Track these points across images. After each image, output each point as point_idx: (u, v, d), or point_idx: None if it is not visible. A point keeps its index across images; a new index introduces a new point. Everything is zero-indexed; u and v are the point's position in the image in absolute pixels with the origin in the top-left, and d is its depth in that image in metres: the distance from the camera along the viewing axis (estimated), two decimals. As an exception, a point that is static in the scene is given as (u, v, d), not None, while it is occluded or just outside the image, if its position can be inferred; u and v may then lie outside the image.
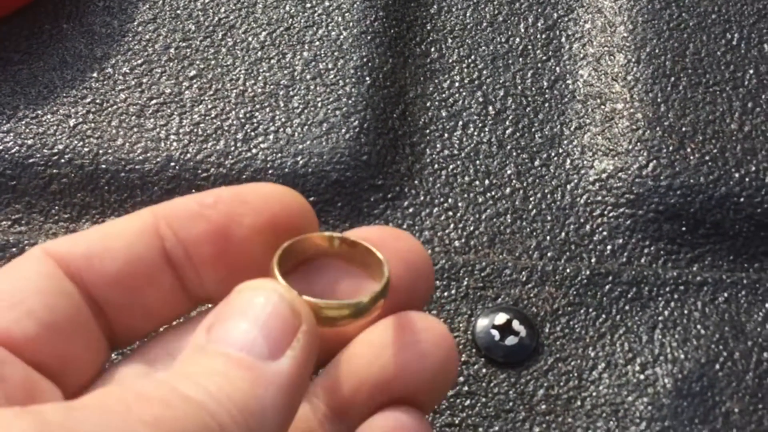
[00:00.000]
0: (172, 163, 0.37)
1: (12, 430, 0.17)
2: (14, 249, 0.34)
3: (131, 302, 0.24)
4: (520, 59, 0.41)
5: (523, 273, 0.34)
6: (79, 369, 0.24)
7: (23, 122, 0.38)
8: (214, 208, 0.24)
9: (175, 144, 0.37)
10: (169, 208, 0.25)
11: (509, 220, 0.36)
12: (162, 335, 0.26)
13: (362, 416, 0.24)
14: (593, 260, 0.35)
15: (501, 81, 0.40)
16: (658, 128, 0.37)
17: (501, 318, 0.33)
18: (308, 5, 0.41)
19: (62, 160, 0.37)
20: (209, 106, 0.38)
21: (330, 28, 0.40)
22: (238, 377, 0.21)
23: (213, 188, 0.36)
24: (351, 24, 0.40)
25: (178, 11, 0.41)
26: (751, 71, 0.39)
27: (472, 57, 0.41)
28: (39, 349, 0.23)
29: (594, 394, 0.32)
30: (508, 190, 0.37)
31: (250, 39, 0.40)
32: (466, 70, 0.40)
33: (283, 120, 0.38)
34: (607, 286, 0.34)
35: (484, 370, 0.32)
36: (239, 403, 0.20)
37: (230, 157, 0.37)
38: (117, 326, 0.25)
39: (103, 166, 0.37)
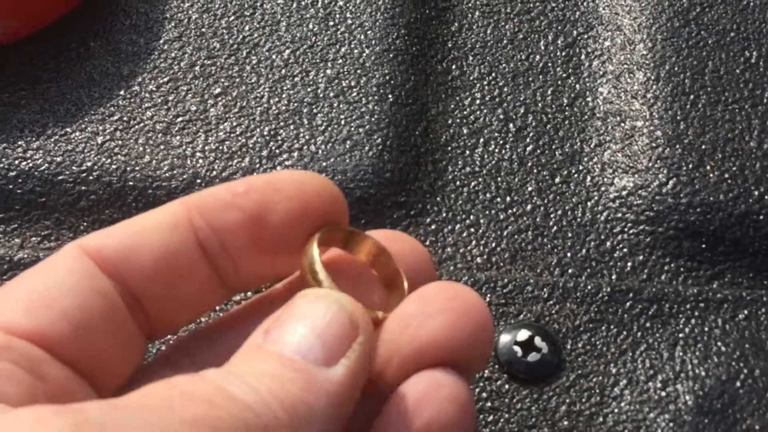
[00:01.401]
0: (198, 180, 0.37)
1: (51, 428, 0.17)
2: (44, 265, 0.35)
3: (168, 294, 0.24)
4: (540, 76, 0.41)
5: (545, 290, 0.34)
6: (116, 367, 0.24)
7: (52, 140, 0.38)
8: (247, 197, 0.24)
9: (201, 161, 0.38)
10: (200, 199, 0.25)
11: (530, 237, 0.37)
12: (191, 340, 0.26)
13: (393, 389, 0.24)
14: (614, 277, 0.36)
15: (521, 98, 0.40)
16: (677, 146, 0.38)
17: (523, 334, 0.33)
18: (331, 23, 0.42)
19: (90, 177, 0.37)
20: (234, 124, 0.39)
21: (353, 46, 0.41)
22: (289, 380, 0.21)
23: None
24: (373, 42, 0.41)
25: (203, 29, 0.42)
26: (770, 89, 0.39)
27: (493, 74, 0.41)
28: (75, 350, 0.22)
29: (616, 410, 0.32)
30: (529, 206, 0.38)
31: (274, 57, 0.41)
32: (486, 87, 0.41)
33: (307, 137, 0.38)
34: (628, 303, 0.34)
35: (506, 386, 0.33)
36: (288, 406, 0.20)
37: (255, 174, 0.37)
38: (154, 319, 0.25)
39: (131, 183, 0.37)
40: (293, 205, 0.25)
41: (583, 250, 0.36)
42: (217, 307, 0.34)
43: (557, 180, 0.38)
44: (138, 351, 0.24)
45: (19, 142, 0.38)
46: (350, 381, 0.22)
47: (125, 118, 0.39)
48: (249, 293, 0.32)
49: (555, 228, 0.37)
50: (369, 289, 0.26)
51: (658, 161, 0.37)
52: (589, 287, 0.34)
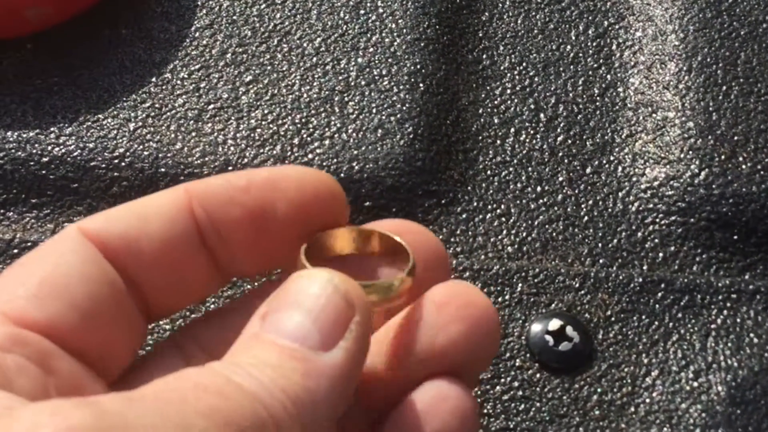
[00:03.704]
0: (230, 168, 0.37)
1: (71, 419, 0.18)
2: (77, 250, 0.35)
3: (167, 282, 0.25)
4: (571, 67, 0.41)
5: (576, 279, 0.34)
6: (121, 353, 0.24)
7: (85, 126, 0.39)
8: (247, 194, 0.24)
9: (232, 148, 0.38)
10: (202, 189, 0.25)
11: (561, 227, 0.37)
12: (198, 324, 0.26)
13: (404, 392, 0.24)
14: (645, 267, 0.36)
15: (552, 88, 0.40)
16: (710, 137, 0.38)
17: (555, 324, 0.33)
18: (362, 12, 0.42)
19: (123, 164, 0.38)
20: (266, 111, 0.39)
21: (384, 34, 0.41)
22: (290, 369, 0.21)
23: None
24: (404, 31, 0.41)
25: (235, 17, 0.42)
26: (803, 80, 0.39)
27: (524, 64, 0.41)
28: (83, 339, 0.23)
29: (648, 400, 0.32)
30: (560, 196, 0.38)
31: (305, 45, 0.41)
32: (517, 77, 0.41)
33: (338, 125, 0.38)
34: (660, 294, 0.34)
35: (538, 376, 0.33)
36: (292, 395, 0.21)
37: (286, 161, 0.38)
38: (153, 303, 0.25)
39: (163, 169, 0.37)
40: (292, 206, 0.25)
41: (615, 241, 0.36)
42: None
43: (588, 170, 0.38)
44: (140, 335, 0.25)
45: (52, 128, 0.39)
46: (350, 363, 0.22)
47: (157, 105, 0.39)
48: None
49: (586, 218, 0.37)
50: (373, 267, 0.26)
51: (690, 152, 0.37)
52: (620, 277, 0.34)
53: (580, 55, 0.41)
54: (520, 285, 0.34)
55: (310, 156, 0.38)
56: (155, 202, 0.25)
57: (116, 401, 0.19)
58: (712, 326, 0.33)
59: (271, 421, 0.20)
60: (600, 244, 0.36)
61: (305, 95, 0.39)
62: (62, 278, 0.23)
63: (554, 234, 0.37)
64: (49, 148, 0.38)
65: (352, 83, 0.40)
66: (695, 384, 0.32)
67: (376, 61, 0.40)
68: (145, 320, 0.25)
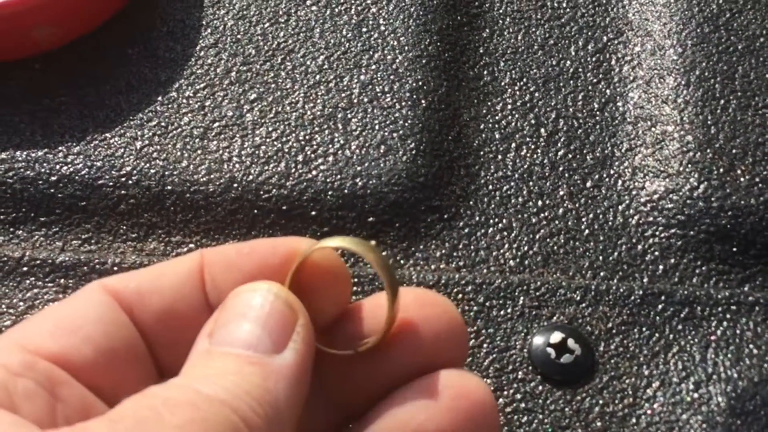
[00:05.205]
0: (235, 185, 0.38)
1: None
2: (85, 267, 0.36)
3: (176, 341, 0.25)
4: (571, 82, 0.42)
5: (578, 292, 0.35)
6: (132, 390, 0.25)
7: (92, 144, 0.39)
8: (248, 258, 0.25)
9: (237, 166, 0.38)
10: (214, 254, 0.26)
11: (562, 241, 0.37)
12: None
13: None
14: (646, 280, 0.36)
15: (552, 103, 0.41)
16: (708, 150, 0.38)
17: (556, 336, 0.34)
18: (364, 30, 0.42)
19: (130, 182, 0.38)
20: (270, 129, 0.40)
21: (386, 52, 0.42)
22: (250, 373, 0.22)
23: (275, 210, 0.37)
24: (406, 48, 0.42)
25: (239, 36, 0.42)
26: (800, 93, 0.40)
27: (524, 80, 0.42)
28: (95, 374, 0.24)
29: (649, 411, 0.32)
30: (561, 210, 0.38)
31: (308, 63, 0.41)
32: (518, 92, 0.41)
33: (341, 142, 0.39)
34: (660, 306, 0.34)
35: (540, 388, 0.33)
36: (257, 397, 0.22)
37: (291, 178, 0.38)
38: (162, 361, 0.26)
39: (169, 187, 0.38)
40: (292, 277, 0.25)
41: (615, 254, 0.37)
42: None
43: (588, 184, 0.39)
44: (153, 382, 0.25)
45: (60, 147, 0.39)
46: (302, 362, 0.23)
47: (163, 124, 0.40)
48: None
49: (587, 231, 0.37)
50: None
51: (689, 165, 0.38)
52: (621, 290, 0.35)
53: (580, 70, 0.42)
54: (521, 298, 0.35)
55: (314, 172, 0.38)
56: (174, 263, 0.26)
57: (101, 425, 0.20)
58: (712, 338, 0.34)
59: (244, 425, 0.21)
60: (601, 257, 0.37)
61: (309, 112, 0.40)
62: (78, 318, 0.24)
63: (555, 247, 0.37)
64: (57, 166, 0.39)
65: (355, 100, 0.40)
66: (696, 395, 0.33)
67: (379, 78, 0.41)
68: (158, 373, 0.26)
